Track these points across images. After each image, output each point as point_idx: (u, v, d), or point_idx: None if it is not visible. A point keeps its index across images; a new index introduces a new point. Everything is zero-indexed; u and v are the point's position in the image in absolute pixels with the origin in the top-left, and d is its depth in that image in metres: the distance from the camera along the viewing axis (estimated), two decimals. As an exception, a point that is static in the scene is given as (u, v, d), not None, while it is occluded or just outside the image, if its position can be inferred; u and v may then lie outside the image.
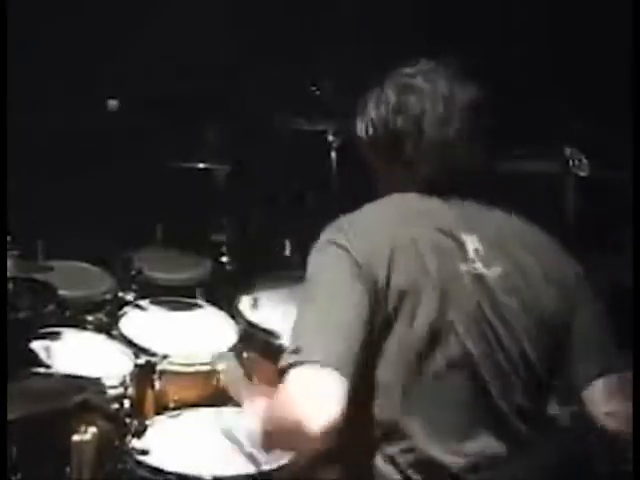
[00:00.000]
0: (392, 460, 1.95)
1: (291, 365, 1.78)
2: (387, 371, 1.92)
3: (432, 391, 1.94)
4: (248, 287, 3.74)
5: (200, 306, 3.74)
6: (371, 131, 2.09)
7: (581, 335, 2.03)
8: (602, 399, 2.00)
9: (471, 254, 1.98)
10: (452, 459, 1.94)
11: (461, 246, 1.99)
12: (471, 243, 2.00)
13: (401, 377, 1.92)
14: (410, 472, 1.94)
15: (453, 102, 2.03)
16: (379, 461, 1.95)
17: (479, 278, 1.97)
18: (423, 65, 2.10)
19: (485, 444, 1.96)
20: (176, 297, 3.75)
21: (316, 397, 1.75)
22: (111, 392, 2.92)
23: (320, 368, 1.75)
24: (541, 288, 2.00)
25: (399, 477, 1.94)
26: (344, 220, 2.01)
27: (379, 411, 1.93)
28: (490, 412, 1.97)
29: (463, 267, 1.97)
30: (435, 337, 1.93)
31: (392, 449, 1.94)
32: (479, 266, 1.98)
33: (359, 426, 1.90)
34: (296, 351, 1.80)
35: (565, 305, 2.02)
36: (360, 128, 2.12)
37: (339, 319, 1.83)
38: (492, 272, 1.98)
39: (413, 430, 1.93)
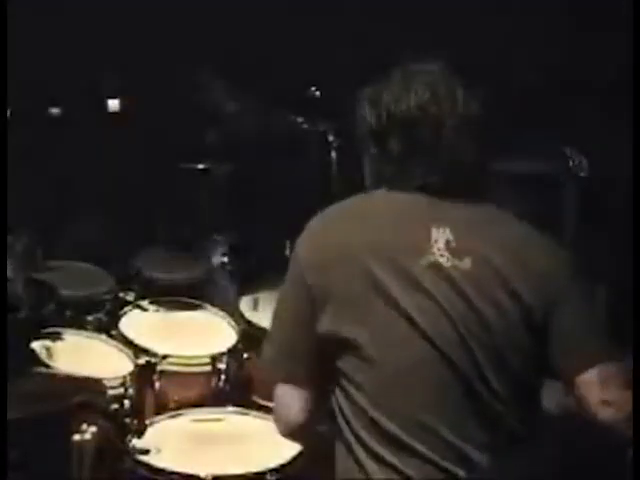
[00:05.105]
0: (376, 456, 1.97)
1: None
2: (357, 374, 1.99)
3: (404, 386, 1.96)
4: (248, 287, 3.75)
5: (200, 306, 3.74)
6: (384, 120, 2.08)
7: (568, 328, 2.00)
8: (598, 386, 1.97)
9: (441, 247, 1.99)
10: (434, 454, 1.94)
11: (428, 239, 2.00)
12: (442, 236, 2.00)
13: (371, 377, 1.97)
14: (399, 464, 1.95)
15: (467, 105, 2.05)
16: (361, 454, 1.98)
17: (446, 269, 1.98)
18: (437, 65, 2.11)
19: (471, 437, 1.96)
20: (176, 297, 3.76)
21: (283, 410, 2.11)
22: (111, 392, 2.93)
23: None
24: (516, 282, 1.98)
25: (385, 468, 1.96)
26: (308, 227, 2.14)
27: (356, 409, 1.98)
28: (471, 404, 1.96)
29: (430, 259, 1.98)
30: (395, 329, 1.95)
31: (377, 447, 1.96)
32: (446, 259, 1.98)
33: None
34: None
35: (548, 300, 1.99)
36: (370, 115, 2.09)
37: (290, 336, 2.10)
38: (463, 264, 1.98)
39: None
